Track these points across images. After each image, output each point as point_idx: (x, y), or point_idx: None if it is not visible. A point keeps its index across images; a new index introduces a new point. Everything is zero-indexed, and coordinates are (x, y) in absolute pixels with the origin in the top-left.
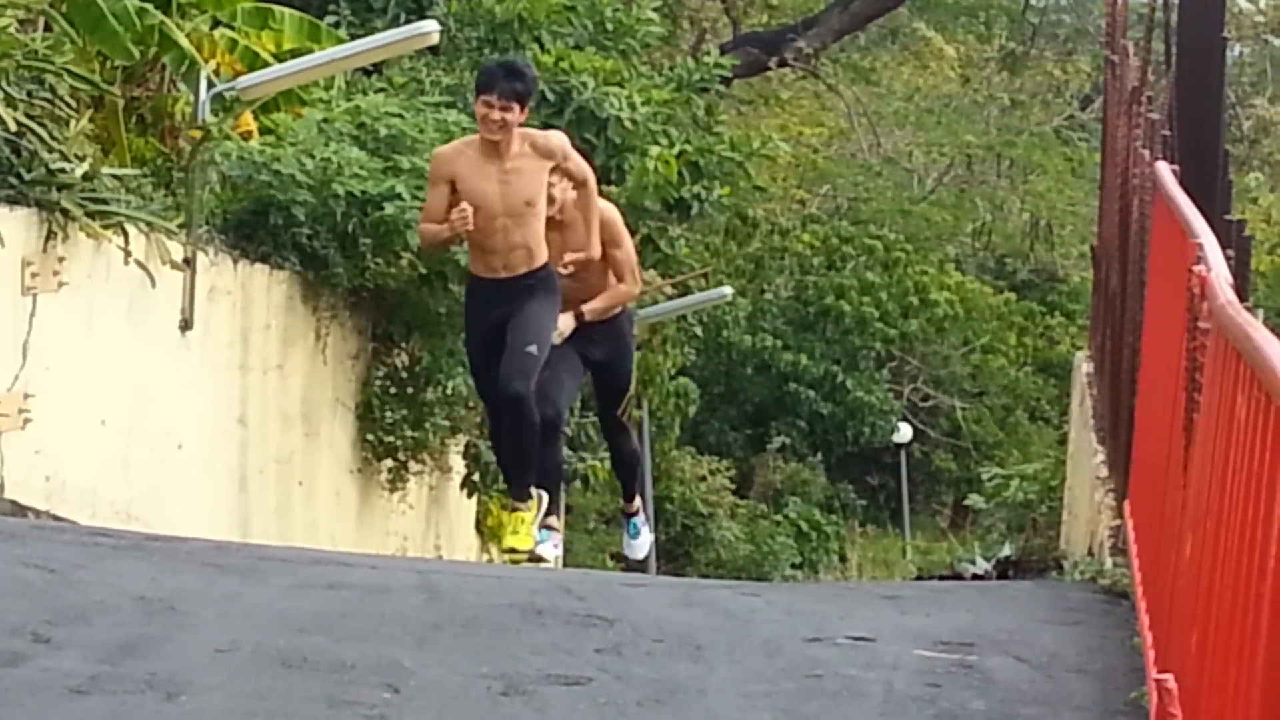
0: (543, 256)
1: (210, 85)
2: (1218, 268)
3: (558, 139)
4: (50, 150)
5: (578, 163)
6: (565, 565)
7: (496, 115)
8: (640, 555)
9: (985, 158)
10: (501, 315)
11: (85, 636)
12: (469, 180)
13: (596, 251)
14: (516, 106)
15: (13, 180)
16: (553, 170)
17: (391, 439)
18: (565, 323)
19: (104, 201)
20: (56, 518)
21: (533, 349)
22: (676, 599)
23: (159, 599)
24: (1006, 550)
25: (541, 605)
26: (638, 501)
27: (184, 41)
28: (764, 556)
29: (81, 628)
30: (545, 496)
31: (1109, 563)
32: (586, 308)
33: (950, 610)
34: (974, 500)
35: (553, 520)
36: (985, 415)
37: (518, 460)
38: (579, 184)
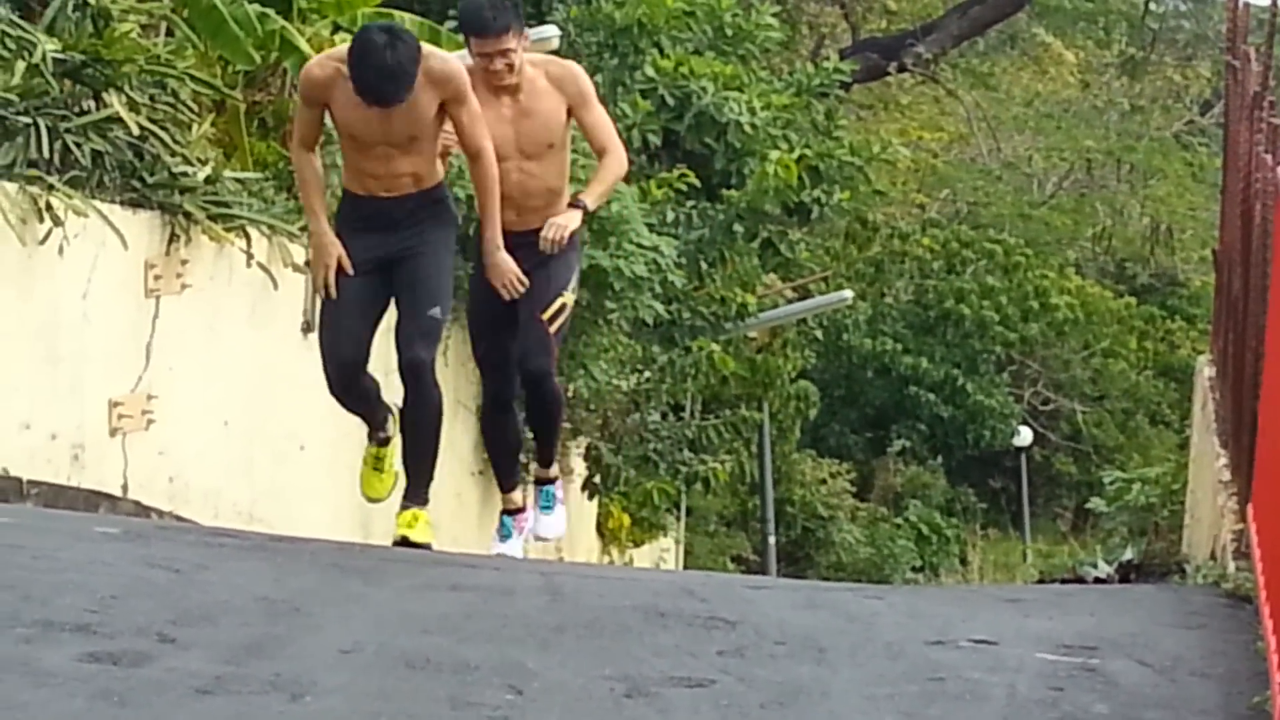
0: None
1: None
2: None
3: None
4: (173, 154)
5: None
6: (686, 567)
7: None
8: (553, 534)
9: (1105, 162)
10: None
11: (210, 637)
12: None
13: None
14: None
15: (136, 184)
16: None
17: None
18: (571, 220)
19: (226, 204)
20: (179, 518)
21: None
22: (799, 602)
23: (283, 600)
24: (1128, 554)
25: (664, 607)
26: (555, 467)
27: (305, 46)
28: (884, 559)
29: (206, 628)
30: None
31: (1232, 567)
32: (588, 197)
33: (1072, 613)
34: (1095, 504)
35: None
36: (1106, 419)
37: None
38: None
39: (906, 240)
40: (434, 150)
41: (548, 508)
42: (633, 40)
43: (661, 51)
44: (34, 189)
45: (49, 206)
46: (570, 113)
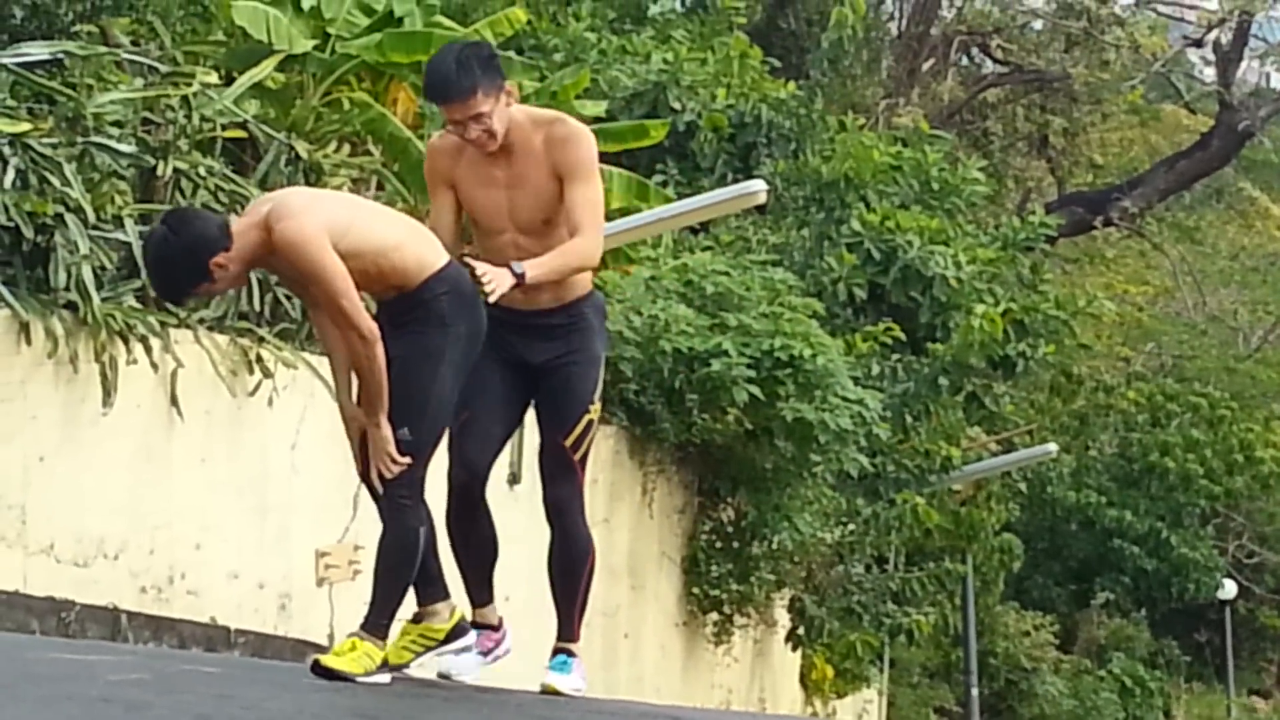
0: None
1: None
2: None
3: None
4: None
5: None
6: (889, 719)
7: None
8: (569, 688)
9: None
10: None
11: None
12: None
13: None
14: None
15: None
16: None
17: (717, 592)
18: (501, 280)
19: None
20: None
21: None
22: None
23: None
24: None
25: None
26: (581, 631)
27: None
28: (1087, 712)
29: None
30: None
31: None
32: (529, 265)
33: None
34: None
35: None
36: None
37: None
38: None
39: (1111, 393)
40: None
41: (563, 665)
42: (839, 194)
43: (868, 205)
44: (244, 341)
45: (259, 358)
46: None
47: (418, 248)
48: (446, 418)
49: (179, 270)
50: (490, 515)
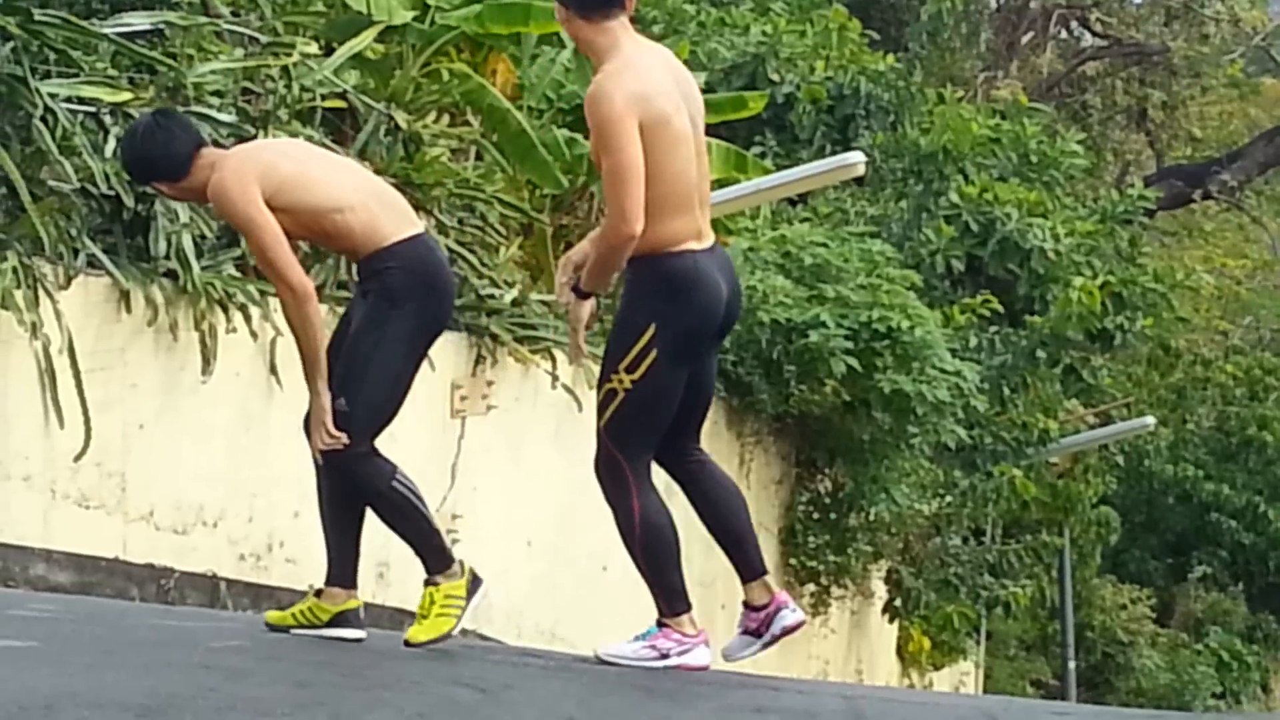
0: None
1: None
2: None
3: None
4: (480, 276)
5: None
6: (986, 691)
7: None
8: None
9: None
10: None
11: None
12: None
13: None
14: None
15: None
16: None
17: (814, 564)
18: (567, 301)
19: (532, 327)
20: (483, 637)
21: None
22: None
23: None
24: None
25: None
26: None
27: None
28: (1184, 685)
29: None
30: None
31: None
32: (583, 275)
33: None
34: None
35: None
36: None
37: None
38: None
39: (1209, 367)
40: None
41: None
42: (938, 166)
43: (966, 178)
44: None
45: None
46: None
47: (368, 214)
48: (388, 394)
49: (131, 168)
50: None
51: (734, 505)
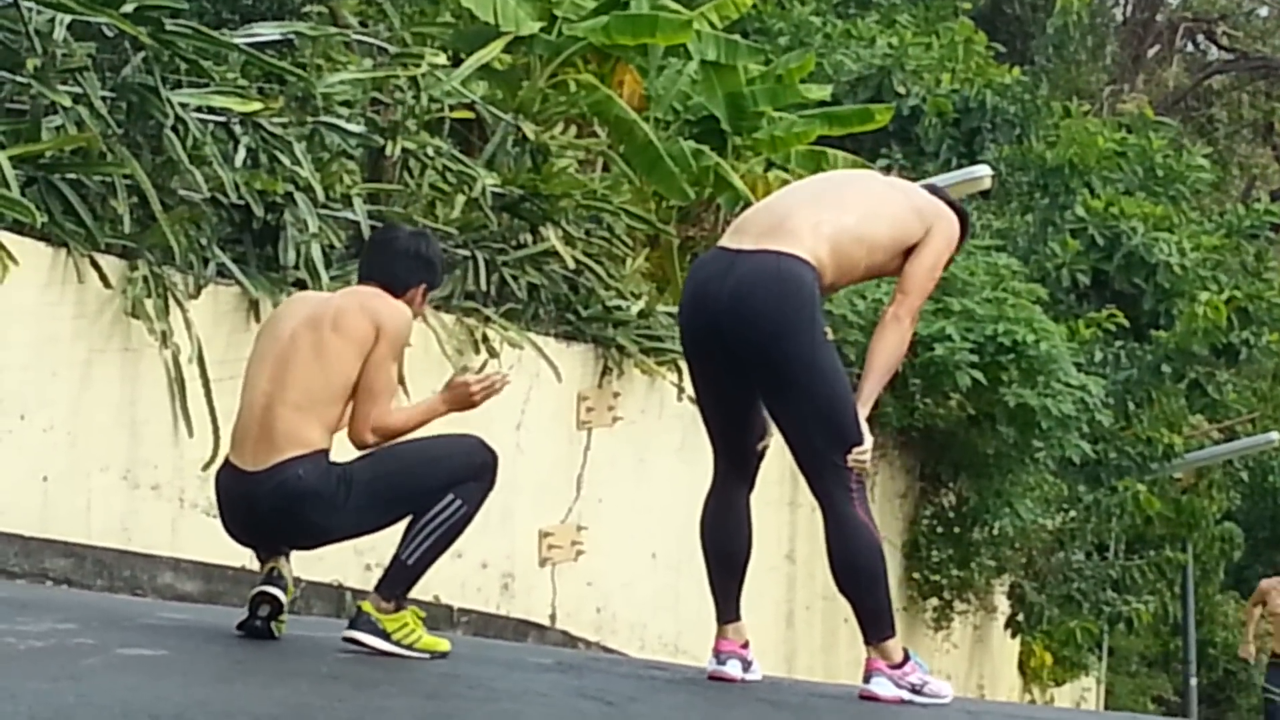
0: None
1: None
2: None
3: None
4: (607, 288)
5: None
6: (1107, 707)
7: None
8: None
9: None
10: None
11: None
12: None
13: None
14: None
15: (570, 316)
16: None
17: (937, 578)
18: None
19: (658, 338)
20: (606, 649)
21: None
22: None
23: None
24: None
25: None
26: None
27: (738, 183)
28: None
29: None
30: None
31: None
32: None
33: None
34: None
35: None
36: None
37: None
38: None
39: None
40: None
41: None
42: (1064, 180)
43: (1092, 191)
44: (471, 320)
45: (485, 338)
46: None
47: None
48: None
49: (429, 270)
50: None
51: (748, 544)
